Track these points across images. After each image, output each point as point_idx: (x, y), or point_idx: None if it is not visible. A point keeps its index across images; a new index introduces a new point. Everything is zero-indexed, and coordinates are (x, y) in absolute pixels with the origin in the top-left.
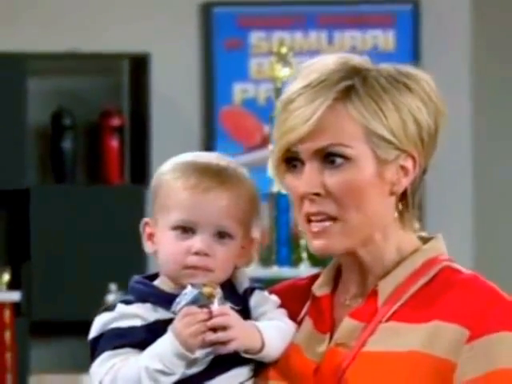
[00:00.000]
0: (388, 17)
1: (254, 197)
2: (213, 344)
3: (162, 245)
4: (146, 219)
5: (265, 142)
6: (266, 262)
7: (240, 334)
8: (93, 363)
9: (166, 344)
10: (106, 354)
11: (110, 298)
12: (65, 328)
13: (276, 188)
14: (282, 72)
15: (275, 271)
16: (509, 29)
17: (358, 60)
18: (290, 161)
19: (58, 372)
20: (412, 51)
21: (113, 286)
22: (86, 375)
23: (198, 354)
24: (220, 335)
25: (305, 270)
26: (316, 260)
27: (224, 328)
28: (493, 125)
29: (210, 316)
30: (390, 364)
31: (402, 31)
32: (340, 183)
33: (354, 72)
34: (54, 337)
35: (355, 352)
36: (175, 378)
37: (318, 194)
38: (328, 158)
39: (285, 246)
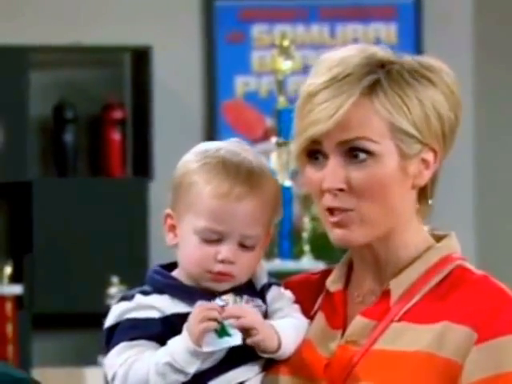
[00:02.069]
0: (390, 9)
1: (278, 196)
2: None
3: (185, 245)
4: (168, 211)
5: (267, 134)
6: (268, 255)
7: (260, 327)
8: (109, 353)
9: (178, 341)
10: (121, 345)
11: (112, 290)
12: (67, 321)
13: (279, 181)
14: (284, 65)
15: (277, 264)
16: (511, 19)
17: (381, 53)
18: (312, 153)
19: (60, 365)
20: (414, 44)
21: (115, 279)
22: (88, 368)
23: (206, 348)
24: (243, 320)
25: (307, 263)
26: (319, 253)
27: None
28: (494, 119)
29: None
30: (398, 363)
31: (404, 24)
32: (364, 179)
33: (379, 66)
34: (56, 330)
35: (365, 350)
36: (184, 377)
37: (341, 189)
38: (351, 152)
39: (287, 239)
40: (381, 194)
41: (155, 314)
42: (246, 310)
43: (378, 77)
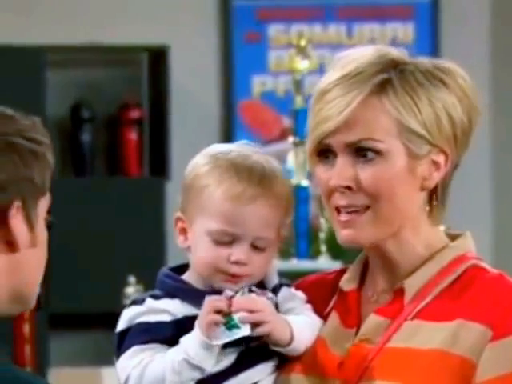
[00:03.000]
0: (407, 9)
1: (290, 197)
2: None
3: (198, 247)
4: (178, 214)
5: (283, 134)
6: (284, 255)
7: (271, 318)
8: (120, 356)
9: (190, 337)
10: (133, 349)
11: (129, 290)
12: (83, 321)
13: (295, 180)
14: (301, 64)
15: (294, 264)
16: None
17: (395, 53)
18: (323, 152)
19: (77, 365)
20: (431, 43)
21: (132, 279)
22: (105, 368)
23: (216, 342)
24: (254, 315)
25: (324, 262)
26: (335, 253)
27: (251, 311)
28: (511, 118)
29: (231, 304)
30: (412, 361)
31: (421, 23)
32: (372, 177)
33: (391, 65)
34: (73, 329)
35: (379, 348)
36: (199, 374)
37: (348, 188)
38: (360, 151)
39: (304, 239)
40: (388, 192)
41: (166, 318)
42: (255, 299)
43: (389, 76)
